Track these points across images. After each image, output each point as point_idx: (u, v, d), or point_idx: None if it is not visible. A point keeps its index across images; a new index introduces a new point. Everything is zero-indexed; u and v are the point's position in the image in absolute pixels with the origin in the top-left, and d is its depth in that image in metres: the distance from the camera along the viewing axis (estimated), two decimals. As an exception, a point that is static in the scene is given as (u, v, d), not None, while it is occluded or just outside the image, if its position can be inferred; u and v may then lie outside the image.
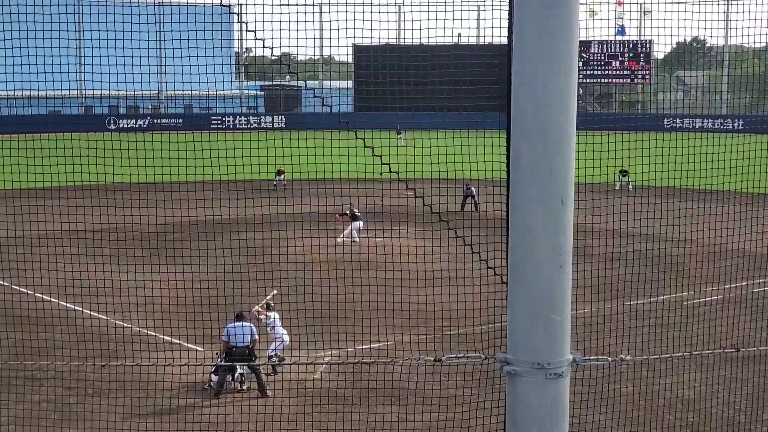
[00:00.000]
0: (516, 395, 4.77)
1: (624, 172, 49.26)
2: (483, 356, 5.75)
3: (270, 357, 22.02)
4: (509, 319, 4.76)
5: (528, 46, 4.48)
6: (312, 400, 19.49)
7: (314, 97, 74.27)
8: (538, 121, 4.49)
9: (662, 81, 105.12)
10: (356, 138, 8.37)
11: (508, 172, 4.71)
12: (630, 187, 47.31)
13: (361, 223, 37.18)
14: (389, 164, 7.66)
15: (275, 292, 23.16)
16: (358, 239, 36.40)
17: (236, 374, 21.07)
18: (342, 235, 36.84)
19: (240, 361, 20.52)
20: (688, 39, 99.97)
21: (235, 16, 65.57)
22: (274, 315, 22.18)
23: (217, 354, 21.42)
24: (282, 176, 52.47)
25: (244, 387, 21.01)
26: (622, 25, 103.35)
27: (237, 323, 20.85)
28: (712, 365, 21.75)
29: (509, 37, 4.68)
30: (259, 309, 22.42)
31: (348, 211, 37.53)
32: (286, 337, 22.05)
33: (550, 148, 4.50)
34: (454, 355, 6.01)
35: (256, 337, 20.90)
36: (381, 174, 9.65)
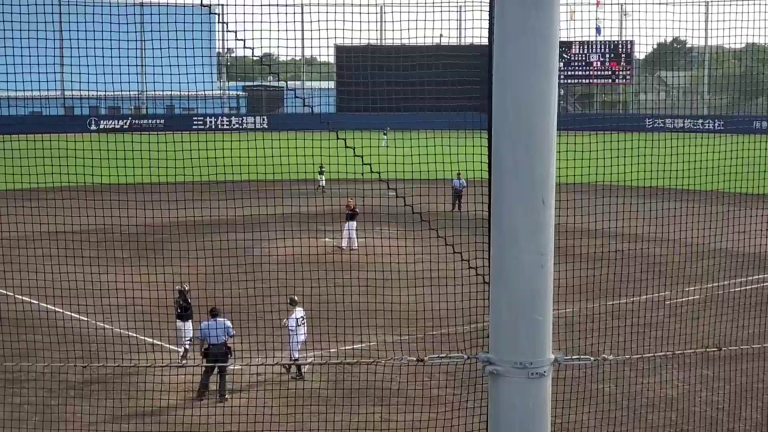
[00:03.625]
0: (498, 395, 4.77)
1: None
2: (466, 356, 5.75)
3: (296, 359, 21.99)
4: (491, 319, 4.76)
5: (508, 47, 4.48)
6: (295, 401, 19.46)
7: (295, 97, 74.20)
8: (519, 121, 4.50)
9: (643, 81, 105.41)
10: (338, 138, 8.37)
11: (489, 172, 4.71)
12: None
13: (355, 222, 37.07)
14: (370, 164, 7.66)
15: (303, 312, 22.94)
16: (356, 244, 36.25)
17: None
18: (346, 241, 36.73)
19: (216, 360, 20.47)
20: (669, 39, 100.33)
21: (216, 17, 65.37)
22: (295, 314, 22.12)
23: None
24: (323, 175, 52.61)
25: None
26: (599, 25, 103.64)
27: (211, 321, 20.84)
28: (693, 364, 21.84)
29: (490, 38, 4.69)
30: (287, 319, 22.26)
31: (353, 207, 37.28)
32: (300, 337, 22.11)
33: (531, 148, 4.51)
34: (436, 356, 6.01)
35: (233, 333, 20.86)
36: (363, 174, 9.66)
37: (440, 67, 56.11)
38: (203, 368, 20.72)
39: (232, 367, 21.04)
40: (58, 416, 18.66)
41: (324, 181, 52.47)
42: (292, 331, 21.93)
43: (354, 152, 8.35)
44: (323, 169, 51.63)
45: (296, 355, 22.02)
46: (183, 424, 18.57)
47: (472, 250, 8.38)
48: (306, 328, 22.26)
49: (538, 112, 4.50)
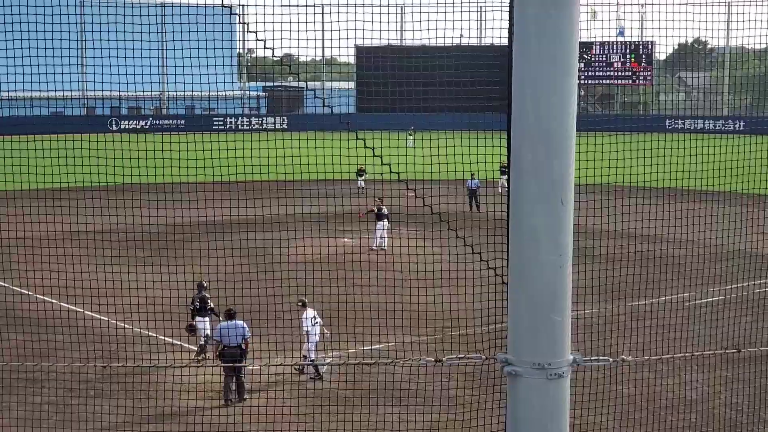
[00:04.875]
0: (517, 395, 4.77)
1: (504, 170, 48.32)
2: (484, 357, 5.76)
3: (305, 357, 21.98)
4: (510, 319, 4.77)
5: (528, 48, 4.49)
6: (313, 401, 19.49)
7: (315, 98, 74.25)
8: (539, 122, 4.50)
9: (663, 82, 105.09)
10: (357, 138, 8.38)
11: (509, 172, 4.71)
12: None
13: (386, 222, 37.09)
14: (389, 164, 7.67)
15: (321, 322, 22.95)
16: (385, 244, 36.30)
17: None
18: (376, 243, 36.83)
19: (232, 360, 20.46)
20: (690, 40, 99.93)
21: (237, 17, 65.49)
22: (308, 314, 22.12)
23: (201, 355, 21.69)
24: (364, 176, 52.12)
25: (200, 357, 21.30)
26: (623, 27, 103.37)
27: (229, 322, 20.82)
28: (713, 366, 21.74)
29: (510, 38, 4.69)
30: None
31: (375, 208, 37.35)
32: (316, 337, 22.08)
33: (550, 148, 4.51)
34: (455, 356, 6.01)
35: (249, 335, 20.83)
36: (381, 175, 9.68)
37: (460, 68, 56.07)
38: (223, 374, 20.74)
39: (250, 368, 21.06)
40: (78, 416, 18.73)
41: (363, 183, 52.07)
42: (309, 332, 21.93)
43: (373, 152, 8.36)
44: (363, 172, 51.39)
45: (314, 356, 22.02)
46: (202, 424, 18.62)
47: (490, 250, 8.38)
48: (320, 327, 22.24)
49: (557, 112, 4.51)
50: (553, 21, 4.43)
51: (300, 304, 22.27)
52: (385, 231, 37.07)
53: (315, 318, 22.10)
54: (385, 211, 36.99)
